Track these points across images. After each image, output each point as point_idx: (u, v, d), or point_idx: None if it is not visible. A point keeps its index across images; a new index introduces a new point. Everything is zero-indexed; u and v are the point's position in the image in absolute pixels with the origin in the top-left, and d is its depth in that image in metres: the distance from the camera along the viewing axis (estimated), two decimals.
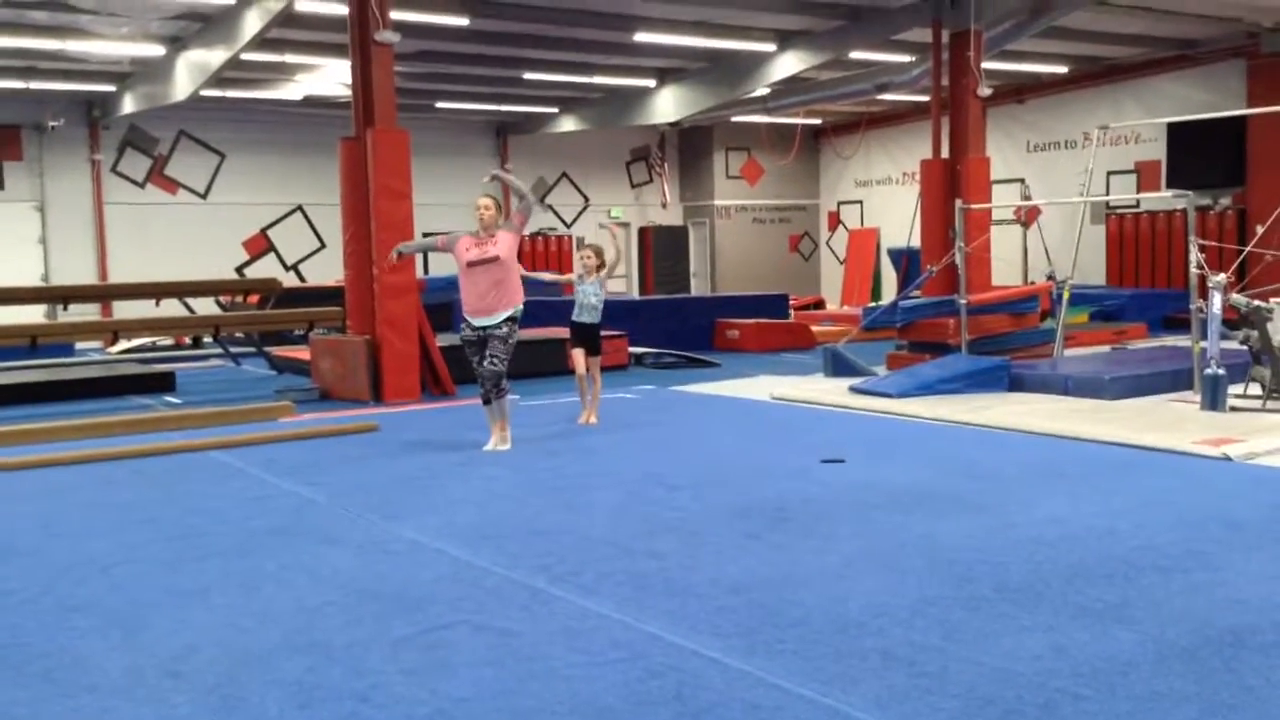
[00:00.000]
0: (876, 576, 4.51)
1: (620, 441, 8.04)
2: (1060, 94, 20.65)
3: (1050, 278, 15.74)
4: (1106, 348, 13.85)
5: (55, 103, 18.58)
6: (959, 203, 12.35)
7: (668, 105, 19.65)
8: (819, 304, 22.41)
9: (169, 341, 16.36)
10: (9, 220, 18.91)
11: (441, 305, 15.33)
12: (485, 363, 7.56)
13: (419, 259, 16.88)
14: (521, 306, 7.69)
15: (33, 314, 16.57)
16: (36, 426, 8.81)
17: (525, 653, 3.74)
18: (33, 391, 11.11)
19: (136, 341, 15.65)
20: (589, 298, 8.71)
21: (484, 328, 7.60)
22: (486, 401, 7.73)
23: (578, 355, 8.81)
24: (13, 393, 11.00)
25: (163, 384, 11.97)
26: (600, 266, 8.74)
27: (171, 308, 15.29)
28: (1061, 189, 19.68)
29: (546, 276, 9.86)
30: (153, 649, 3.87)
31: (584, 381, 8.80)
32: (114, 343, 15.28)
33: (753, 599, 4.24)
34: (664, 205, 25.38)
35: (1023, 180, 20.16)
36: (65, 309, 16.48)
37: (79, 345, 15.39)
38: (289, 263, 21.37)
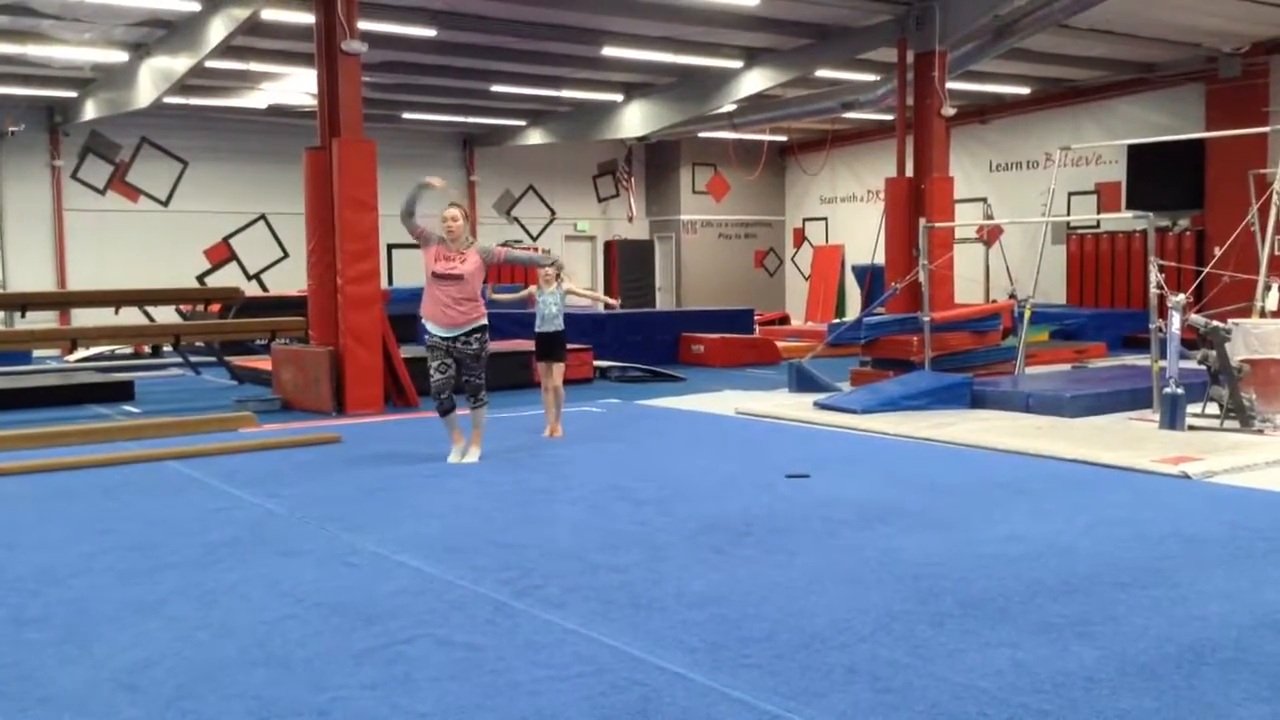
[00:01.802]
0: (840, 592, 4.51)
1: (585, 455, 8.01)
2: (1023, 115, 20.91)
3: (1012, 296, 15.88)
4: (1067, 366, 13.99)
5: (15, 108, 18.34)
6: (923, 221, 12.46)
7: (635, 120, 19.71)
8: (784, 319, 22.51)
9: (128, 350, 16.17)
10: None
11: (406, 316, 15.26)
12: (465, 379, 7.59)
13: (384, 269, 16.81)
14: (485, 320, 7.68)
15: None
16: None
17: (489, 667, 3.71)
18: None
19: (95, 350, 15.46)
20: (549, 307, 8.76)
21: (450, 339, 7.56)
22: (444, 413, 7.69)
23: (543, 367, 8.88)
24: None
25: (121, 393, 11.83)
26: (558, 276, 8.83)
27: (131, 316, 15.12)
28: (1023, 209, 19.91)
29: (505, 297, 9.87)
30: (108, 662, 3.80)
31: (549, 395, 8.84)
32: (72, 351, 15.09)
33: (717, 613, 4.23)
34: (630, 219, 25.42)
35: (985, 199, 20.40)
36: (23, 316, 16.23)
37: (36, 353, 15.18)
38: (251, 272, 21.19)
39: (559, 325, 8.81)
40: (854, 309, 21.09)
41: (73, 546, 5.44)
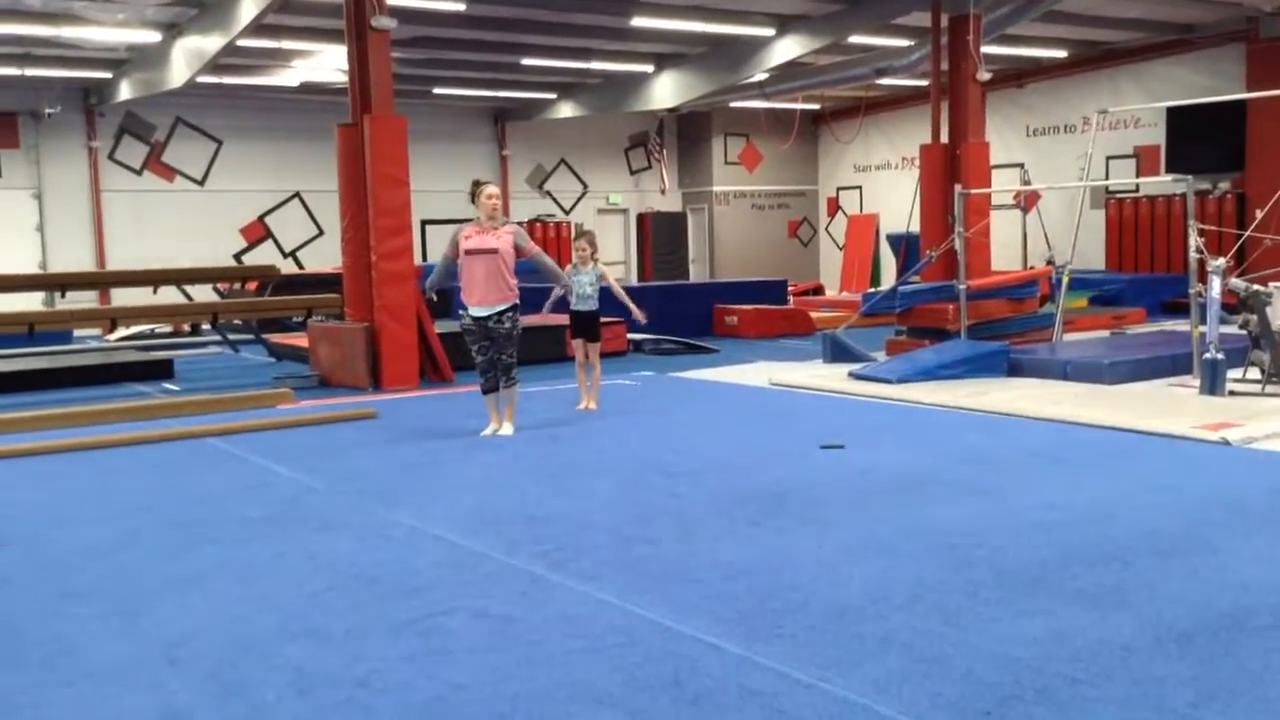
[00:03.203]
0: (875, 562, 4.51)
1: (618, 428, 8.04)
2: (1059, 78, 20.60)
3: (1050, 263, 15.73)
4: (1106, 333, 13.84)
5: (51, 90, 18.51)
6: (958, 188, 12.33)
7: (666, 91, 19.60)
8: (818, 290, 22.41)
9: (167, 329, 16.34)
10: (6, 208, 18.87)
11: (440, 292, 15.29)
12: (497, 356, 7.68)
13: (417, 245, 16.88)
14: (517, 300, 7.73)
15: (30, 301, 16.55)
16: (35, 414, 8.80)
17: (524, 638, 3.74)
18: (31, 379, 11.11)
19: (134, 329, 15.64)
20: (584, 287, 8.69)
21: (482, 318, 7.64)
22: (487, 391, 7.82)
23: (578, 344, 8.82)
24: (11, 380, 10.99)
25: (161, 371, 11.97)
26: (594, 258, 8.78)
27: (170, 295, 15.28)
28: (1061, 174, 19.65)
29: (556, 293, 9.09)
30: (151, 635, 3.87)
31: (583, 369, 8.83)
32: (112, 330, 15.27)
33: (750, 584, 4.24)
34: (663, 192, 25.33)
35: (1022, 165, 20.13)
36: (63, 296, 16.46)
37: (77, 333, 15.37)
38: (287, 250, 21.33)
39: (594, 305, 8.75)
40: (889, 278, 20.93)
41: (116, 522, 5.53)
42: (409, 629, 3.86)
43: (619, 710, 3.13)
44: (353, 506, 5.79)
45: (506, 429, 7.78)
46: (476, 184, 7.88)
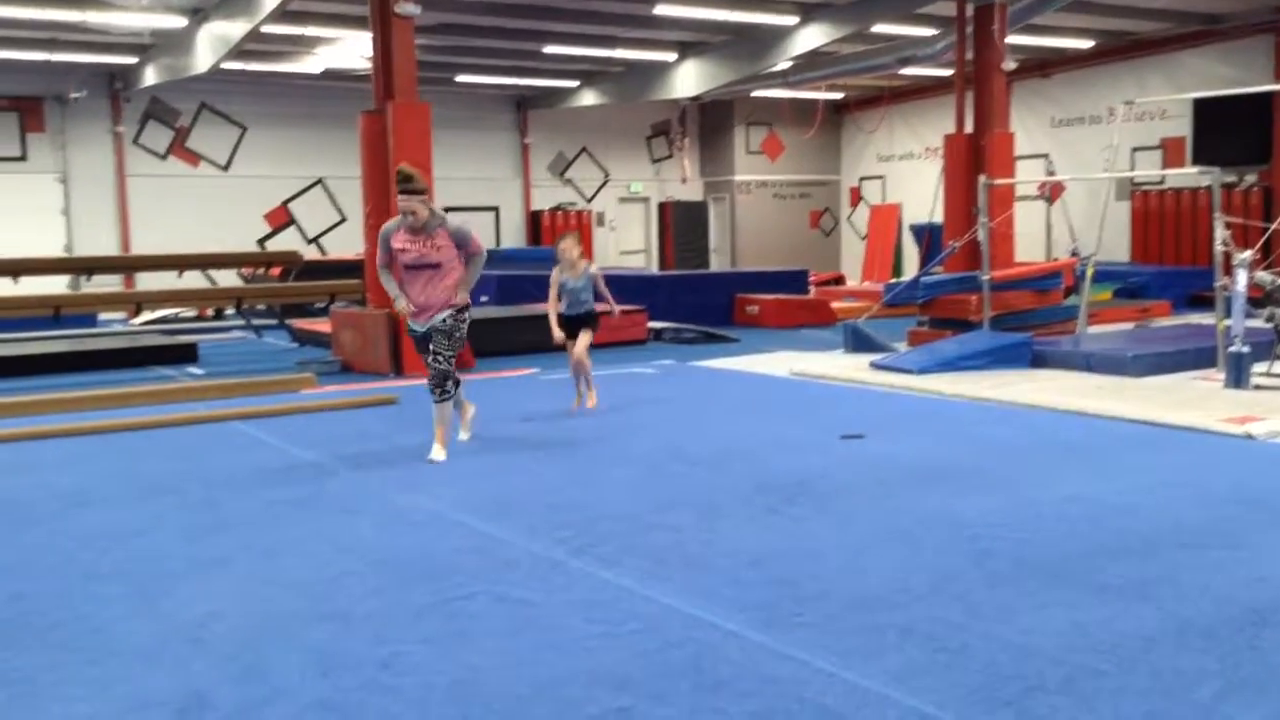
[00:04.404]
0: (896, 552, 4.50)
1: (638, 416, 8.04)
2: (1085, 69, 20.44)
3: (1074, 254, 15.61)
4: (1130, 325, 13.75)
5: (77, 74, 18.62)
6: (982, 178, 12.25)
7: (688, 79, 19.56)
8: (839, 280, 22.35)
9: (192, 313, 16.44)
10: (32, 191, 19.00)
11: None
12: (430, 360, 6.59)
13: None
14: (467, 302, 6.69)
15: (56, 285, 16.67)
16: (60, 396, 8.87)
17: (544, 623, 3.75)
18: (56, 361, 11.20)
19: (159, 313, 15.74)
20: (578, 294, 8.04)
21: (425, 331, 6.62)
22: (438, 403, 6.67)
23: (572, 344, 8.11)
24: (36, 363, 11.08)
25: (185, 355, 12.05)
26: (584, 255, 8.16)
27: (194, 279, 15.36)
28: (1086, 165, 19.51)
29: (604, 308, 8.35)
30: (175, 617, 3.90)
31: (580, 367, 8.12)
32: (137, 314, 15.37)
33: (771, 573, 4.24)
34: (684, 180, 25.28)
35: (1047, 156, 20.00)
36: (88, 280, 16.57)
37: (102, 316, 15.49)
38: (310, 235, 21.42)
39: (589, 308, 8.11)
40: (911, 269, 20.84)
41: (140, 505, 5.57)
42: (430, 612, 3.88)
43: (639, 695, 3.14)
44: (374, 491, 5.82)
45: (465, 433, 7.05)
46: (404, 176, 6.48)
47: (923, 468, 6.06)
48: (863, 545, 4.60)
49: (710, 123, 25.47)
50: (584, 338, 8.05)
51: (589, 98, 21.97)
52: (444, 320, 6.54)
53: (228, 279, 17.23)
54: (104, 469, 6.54)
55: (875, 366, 10.19)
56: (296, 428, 7.73)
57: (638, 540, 4.73)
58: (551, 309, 8.06)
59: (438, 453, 6.52)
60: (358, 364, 11.05)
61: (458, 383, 6.78)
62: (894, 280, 19.75)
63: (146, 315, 15.52)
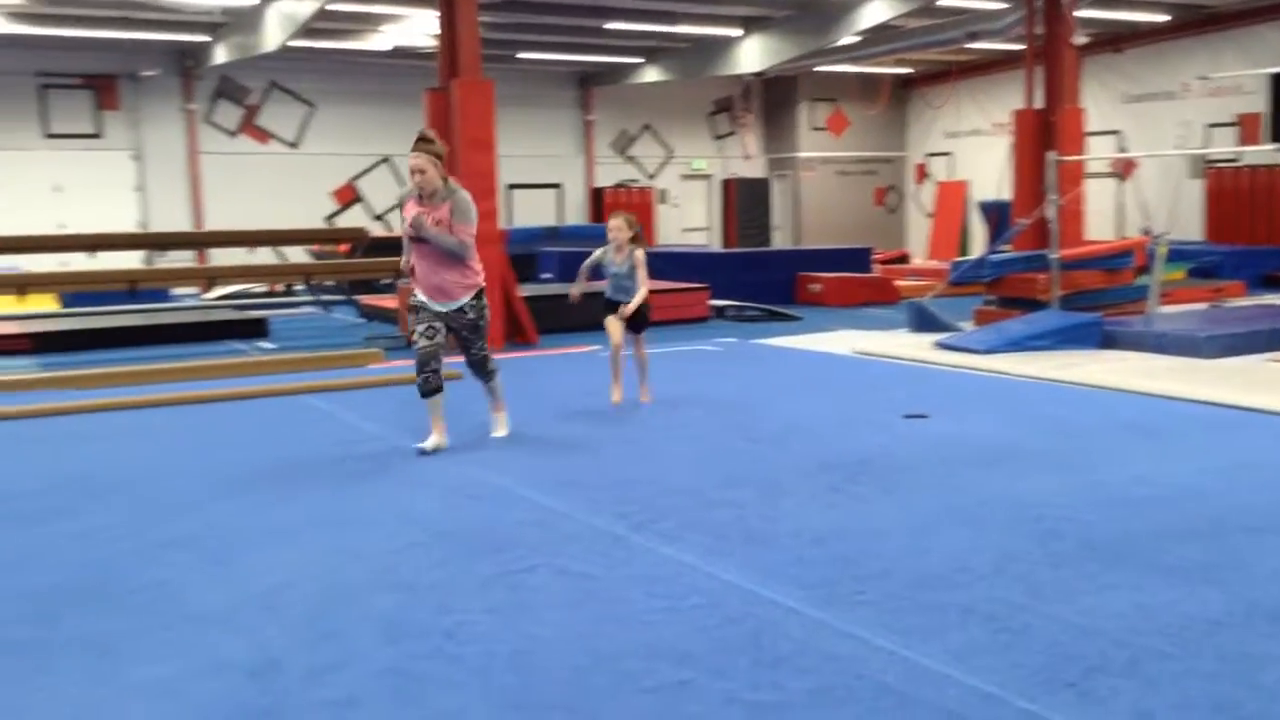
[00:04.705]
0: (958, 532, 4.48)
1: (700, 393, 8.05)
2: (1159, 43, 19.93)
3: (1146, 233, 15.30)
4: (1203, 305, 13.46)
5: (150, 53, 18.97)
6: (1051, 155, 12.05)
7: (753, 55, 19.42)
8: (904, 258, 22.11)
9: (262, 288, 16.74)
10: (108, 168, 19.43)
11: (525, 255, 15.48)
12: (468, 353, 6.35)
13: (503, 209, 17.01)
14: (483, 282, 6.30)
15: (131, 260, 17.05)
16: (134, 369, 9.09)
17: (605, 597, 3.80)
18: (131, 335, 11.48)
19: (231, 288, 16.05)
20: (623, 279, 7.38)
21: (443, 313, 6.18)
22: (427, 394, 6.23)
23: (613, 325, 7.45)
24: (112, 336, 11.37)
25: (256, 330, 12.28)
26: (635, 239, 7.33)
27: (264, 255, 15.64)
28: (1159, 142, 19.08)
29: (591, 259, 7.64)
30: (247, 584, 4.01)
31: (619, 356, 7.47)
32: (209, 289, 15.69)
33: (832, 550, 4.25)
34: (747, 157, 25.14)
35: (1119, 132, 19.59)
36: (162, 255, 16.93)
37: (176, 291, 15.82)
38: (376, 212, 21.66)
39: (630, 294, 7.35)
40: (979, 247, 20.57)
41: (213, 474, 5.71)
42: (493, 584, 3.94)
43: (698, 669, 3.17)
44: (439, 464, 5.91)
45: (500, 429, 6.61)
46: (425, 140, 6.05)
47: (987, 447, 6.01)
48: (925, 525, 4.59)
49: (774, 99, 25.28)
50: (640, 340, 7.55)
51: (652, 74, 21.91)
52: (470, 311, 6.16)
53: (297, 255, 17.52)
54: (177, 440, 6.71)
55: (940, 346, 10.11)
56: (364, 401, 7.87)
57: (699, 516, 4.76)
58: (579, 280, 7.58)
59: (500, 428, 6.59)
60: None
61: (497, 369, 6.54)
62: (960, 259, 19.55)
63: (219, 290, 15.82)
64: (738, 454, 6.01)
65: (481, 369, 6.45)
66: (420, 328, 6.14)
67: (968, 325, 11.60)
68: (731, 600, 3.74)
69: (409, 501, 5.14)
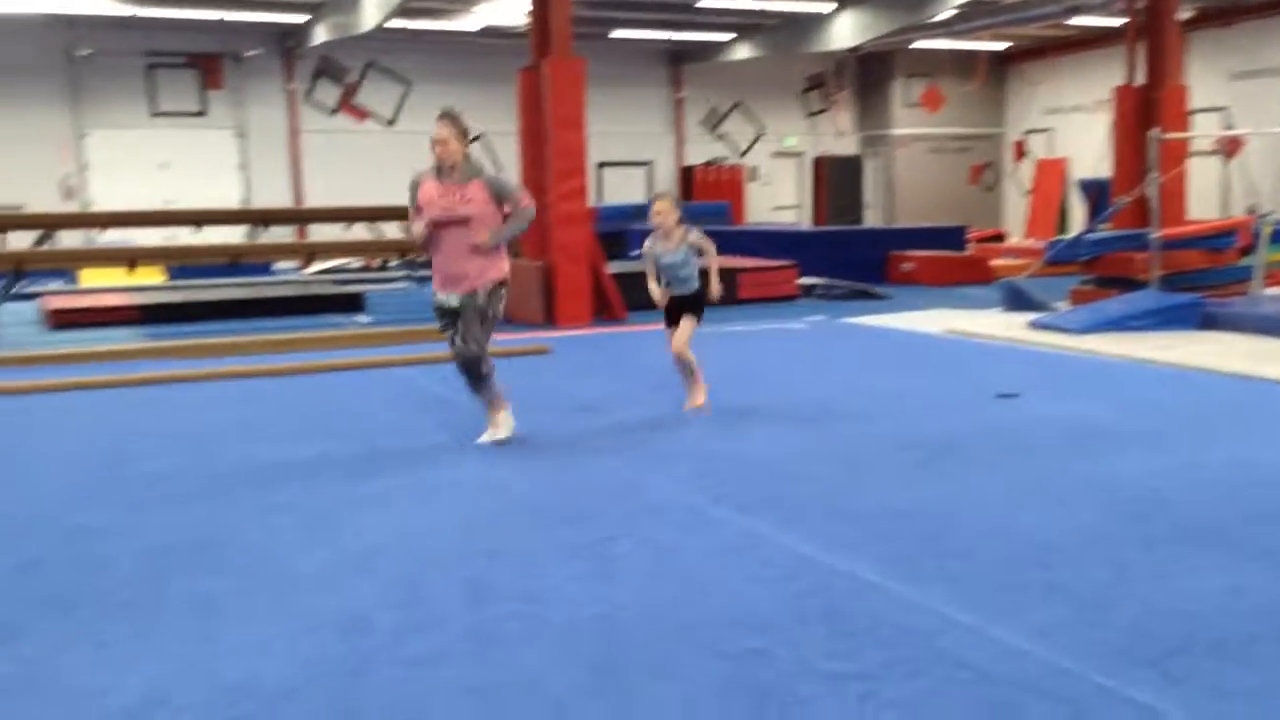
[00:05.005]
0: (1046, 511, 4.43)
1: (785, 369, 8.05)
2: (1269, 17, 19.20)
3: (1252, 212, 14.82)
4: None
5: (252, 33, 19.44)
6: (1153, 132, 11.73)
7: (846, 30, 19.19)
8: (999, 237, 21.70)
9: (359, 263, 17.09)
10: (212, 146, 20.01)
11: (615, 233, 15.57)
12: (462, 342, 5.56)
13: (593, 187, 17.10)
14: (508, 274, 5.67)
15: (234, 235, 17.55)
16: (236, 340, 9.40)
17: (685, 566, 3.86)
18: (233, 308, 11.84)
19: (330, 263, 16.41)
20: (677, 269, 6.33)
21: (456, 306, 5.57)
22: (478, 390, 5.79)
23: (669, 332, 6.52)
24: (215, 308, 11.74)
25: (353, 304, 12.57)
26: (682, 222, 6.33)
27: (361, 231, 15.91)
28: (1269, 119, 18.39)
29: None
30: (341, 548, 4.14)
31: (679, 362, 6.55)
32: (309, 264, 16.07)
33: (914, 526, 4.24)
34: (839, 134, 24.88)
35: (1225, 109, 18.95)
36: (264, 230, 17.39)
37: (276, 265, 16.25)
38: None
39: (693, 286, 6.42)
40: (1078, 226, 20.10)
41: (309, 444, 5.90)
42: (576, 553, 4.02)
43: (776, 638, 3.21)
44: (525, 435, 6.01)
45: (500, 431, 5.79)
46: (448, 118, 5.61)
47: (1080, 428, 5.92)
48: (1012, 504, 4.55)
49: (868, 75, 24.96)
50: (685, 326, 6.39)
51: (743, 51, 21.79)
52: (481, 296, 5.51)
53: (392, 231, 17.80)
54: (276, 409, 6.93)
55: (1034, 326, 9.94)
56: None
57: (779, 490, 4.79)
58: (651, 281, 6.48)
59: (499, 431, 5.74)
60: (514, 314, 11.32)
61: (491, 370, 5.70)
62: (1056, 238, 19.12)
63: (318, 265, 16.20)
64: (822, 430, 6.01)
65: (473, 368, 5.58)
66: (448, 333, 5.65)
67: (1063, 305, 11.38)
68: (809, 572, 3.76)
69: (495, 471, 5.25)
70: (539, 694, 2.90)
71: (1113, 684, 2.87)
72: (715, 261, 6.32)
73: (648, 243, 6.45)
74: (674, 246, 6.28)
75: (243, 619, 3.47)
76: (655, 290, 6.46)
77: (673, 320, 6.45)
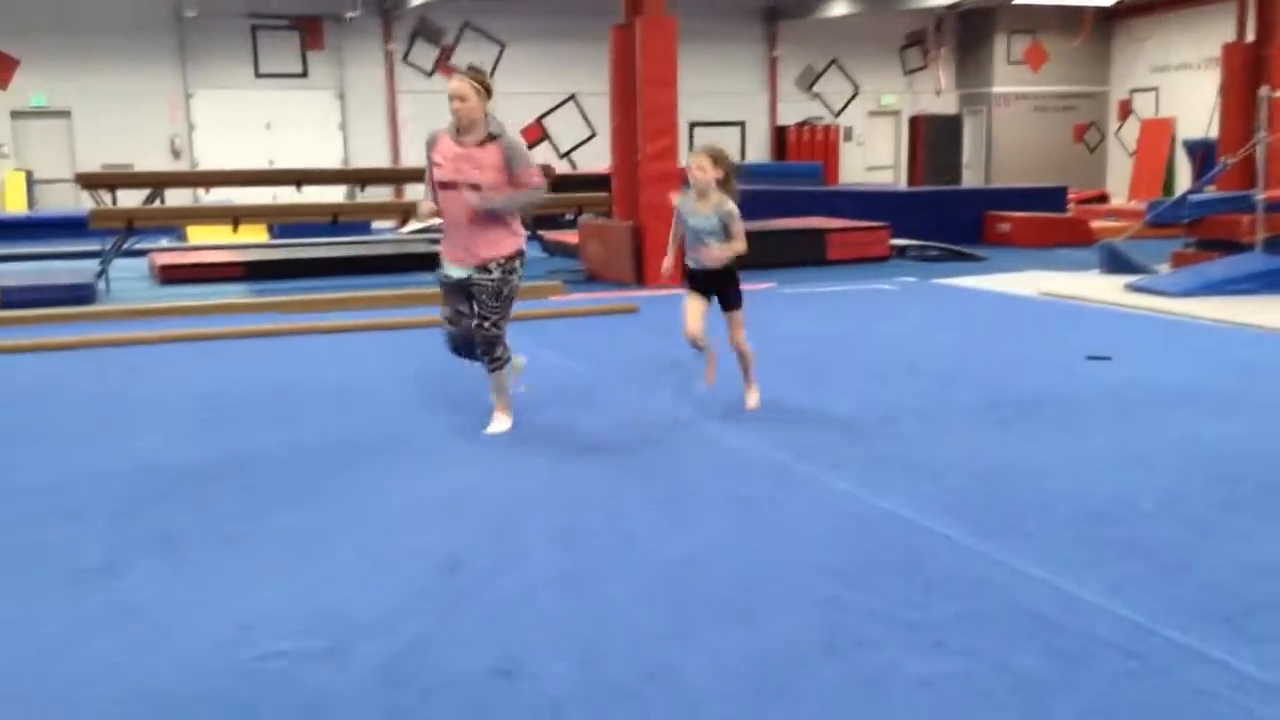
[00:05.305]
0: (1129, 471, 4.43)
1: (872, 330, 8.05)
2: None
3: None
4: None
5: None
6: (1263, 90, 11.33)
7: None
8: (1102, 198, 21.19)
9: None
10: (313, 107, 20.46)
11: None
12: (475, 323, 5.08)
13: (684, 147, 17.09)
14: (524, 247, 5.19)
15: (335, 194, 17.97)
16: (336, 296, 9.69)
17: (764, 517, 3.96)
18: (334, 265, 12.18)
19: (426, 223, 16.72)
20: (705, 236, 5.35)
21: (465, 280, 5.09)
22: (494, 370, 5.26)
23: (693, 306, 5.50)
24: (316, 266, 12.09)
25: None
26: (725, 181, 5.35)
27: None
28: None
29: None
30: (435, 492, 4.33)
31: (704, 345, 5.58)
32: (405, 223, 16.40)
33: (993, 484, 4.27)
34: (938, 93, 24.43)
35: None
36: (362, 190, 17.78)
37: (374, 224, 16.61)
38: (562, 150, 22.08)
39: (722, 262, 5.40)
40: (1184, 188, 19.51)
41: (402, 396, 6.13)
42: (663, 504, 4.14)
43: (853, 586, 3.30)
44: (611, 390, 6.15)
45: (501, 423, 5.26)
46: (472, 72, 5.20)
47: (1171, 390, 5.85)
48: (1094, 463, 4.55)
49: (968, 31, 24.42)
50: (734, 319, 5.52)
51: (840, 7, 21.50)
52: (496, 271, 5.02)
53: None
54: (371, 362, 7.16)
55: (1132, 288, 9.76)
56: (545, 332, 8.18)
57: (862, 447, 4.84)
58: (670, 246, 5.63)
59: (500, 423, 5.25)
60: (603, 273, 11.47)
61: (507, 353, 5.25)
62: (1159, 199, 18.58)
63: (413, 225, 16.51)
64: (905, 389, 6.02)
65: (489, 350, 5.12)
66: (446, 312, 5.20)
67: (1164, 268, 11.13)
68: (886, 526, 3.83)
69: (581, 424, 5.39)
70: (624, 629, 3.03)
71: (1187, 639, 2.90)
72: (736, 245, 5.34)
73: (678, 198, 5.53)
74: (708, 209, 5.34)
75: (339, 552, 3.66)
76: (669, 261, 5.57)
77: (701, 292, 5.50)
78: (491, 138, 5.04)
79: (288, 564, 3.59)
